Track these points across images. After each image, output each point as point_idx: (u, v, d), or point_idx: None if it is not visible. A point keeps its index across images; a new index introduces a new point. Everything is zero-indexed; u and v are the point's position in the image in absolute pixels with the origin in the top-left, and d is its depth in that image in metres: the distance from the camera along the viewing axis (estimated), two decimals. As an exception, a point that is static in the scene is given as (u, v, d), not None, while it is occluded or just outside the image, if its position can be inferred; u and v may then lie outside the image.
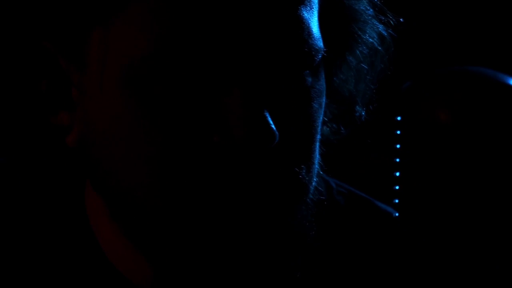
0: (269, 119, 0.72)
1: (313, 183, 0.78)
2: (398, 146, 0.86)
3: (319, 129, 0.78)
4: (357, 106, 0.85)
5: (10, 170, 0.89)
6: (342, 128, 0.86)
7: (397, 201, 0.85)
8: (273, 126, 0.72)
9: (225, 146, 0.72)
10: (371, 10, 0.83)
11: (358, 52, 0.84)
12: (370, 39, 0.84)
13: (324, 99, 0.78)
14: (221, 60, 0.72)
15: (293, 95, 0.75)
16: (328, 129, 0.86)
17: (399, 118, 0.85)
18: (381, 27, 0.84)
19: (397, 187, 0.85)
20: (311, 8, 0.75)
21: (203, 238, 0.74)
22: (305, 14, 0.74)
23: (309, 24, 0.74)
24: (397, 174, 0.85)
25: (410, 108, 0.85)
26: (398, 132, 0.86)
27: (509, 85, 0.83)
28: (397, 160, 0.86)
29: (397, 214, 0.85)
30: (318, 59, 0.75)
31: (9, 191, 0.88)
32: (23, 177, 0.88)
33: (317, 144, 0.78)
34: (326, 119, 0.84)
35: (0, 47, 0.80)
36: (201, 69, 0.72)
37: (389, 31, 0.85)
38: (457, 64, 0.90)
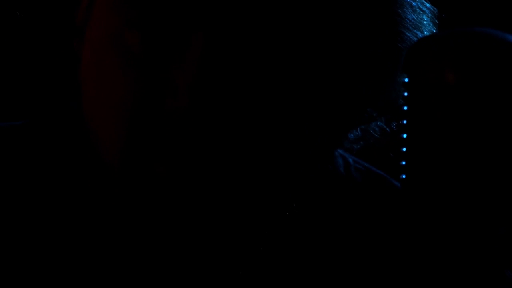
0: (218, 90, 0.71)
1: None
2: (405, 108, 0.85)
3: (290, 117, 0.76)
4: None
5: (30, 132, 0.90)
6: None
7: (404, 163, 0.85)
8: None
9: (171, 114, 0.73)
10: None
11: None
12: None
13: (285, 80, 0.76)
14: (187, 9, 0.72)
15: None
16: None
17: (406, 80, 0.85)
18: None
19: (404, 149, 0.85)
20: None
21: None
22: None
23: None
24: (404, 136, 0.85)
25: (416, 69, 0.84)
26: (406, 93, 0.85)
27: (517, 46, 0.82)
28: (404, 122, 0.85)
29: (403, 176, 0.85)
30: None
31: (28, 153, 0.88)
32: (42, 138, 0.89)
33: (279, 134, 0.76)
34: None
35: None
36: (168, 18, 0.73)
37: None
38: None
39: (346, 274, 0.84)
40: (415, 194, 0.83)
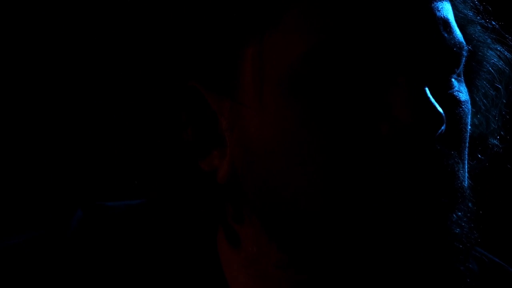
0: (435, 103, 0.73)
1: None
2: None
3: (468, 136, 0.78)
4: (490, 137, 0.85)
5: (147, 213, 0.86)
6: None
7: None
8: (440, 109, 0.73)
9: (393, 138, 0.73)
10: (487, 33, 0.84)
11: (483, 75, 0.84)
12: (493, 60, 0.84)
13: (470, 108, 0.79)
14: (383, 50, 0.73)
15: (446, 94, 0.76)
16: None
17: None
18: (500, 48, 0.85)
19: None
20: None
21: (364, 243, 0.72)
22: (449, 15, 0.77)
23: (451, 23, 0.77)
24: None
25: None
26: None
27: None
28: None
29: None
30: (463, 58, 0.77)
31: (142, 236, 0.85)
32: (158, 221, 0.85)
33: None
34: None
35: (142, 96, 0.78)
36: (363, 61, 0.73)
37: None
38: None
39: None
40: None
